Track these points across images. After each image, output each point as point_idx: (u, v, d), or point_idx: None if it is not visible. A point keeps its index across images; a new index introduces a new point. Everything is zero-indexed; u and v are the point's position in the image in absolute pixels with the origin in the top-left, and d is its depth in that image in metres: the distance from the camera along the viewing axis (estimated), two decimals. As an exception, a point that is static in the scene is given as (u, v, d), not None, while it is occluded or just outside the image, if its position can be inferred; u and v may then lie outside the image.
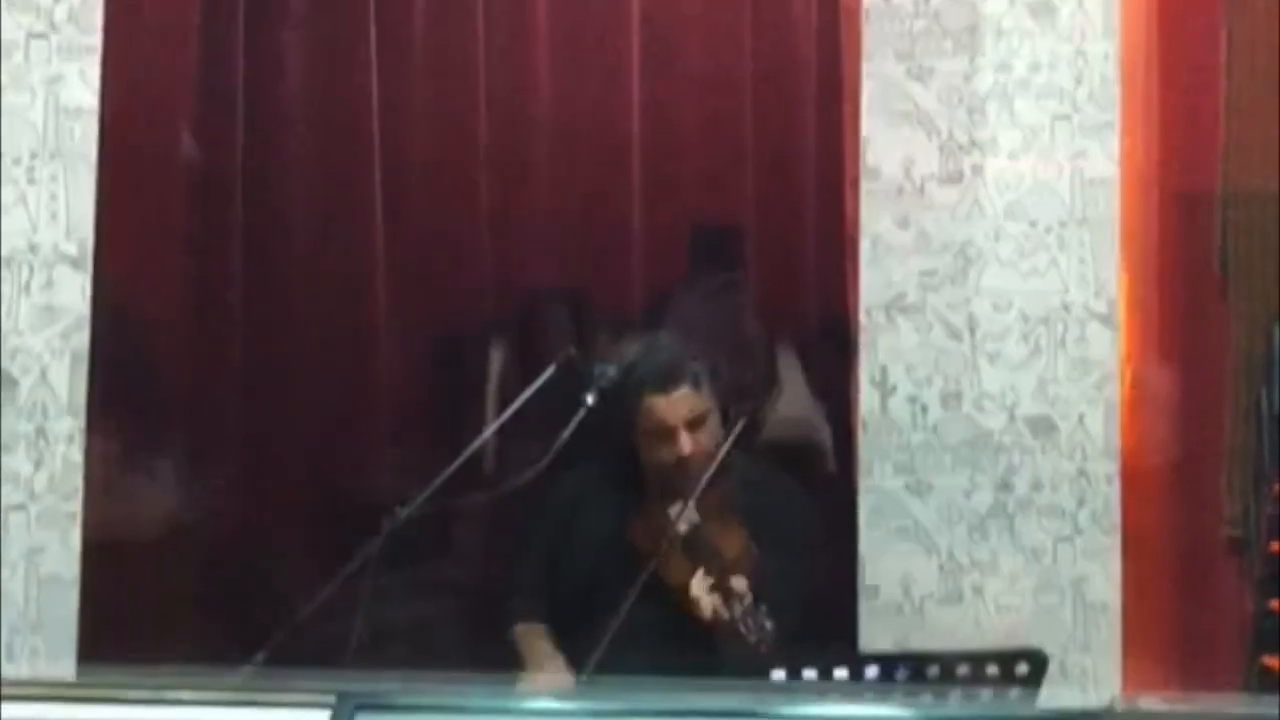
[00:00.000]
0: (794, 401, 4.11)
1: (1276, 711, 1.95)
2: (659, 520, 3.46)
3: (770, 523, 3.49)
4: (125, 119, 3.83)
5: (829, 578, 3.79)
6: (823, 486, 4.02)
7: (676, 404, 3.48)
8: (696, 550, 3.40)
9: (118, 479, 3.83)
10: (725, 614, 3.27)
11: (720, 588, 3.31)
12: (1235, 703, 2.40)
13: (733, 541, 3.43)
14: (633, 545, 3.46)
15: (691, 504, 3.44)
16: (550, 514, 3.65)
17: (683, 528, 3.43)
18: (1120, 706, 2.20)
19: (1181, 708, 2.58)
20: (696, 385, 3.51)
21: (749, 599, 3.25)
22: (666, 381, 3.49)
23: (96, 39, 3.67)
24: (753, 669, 3.02)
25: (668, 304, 4.13)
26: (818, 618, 3.59)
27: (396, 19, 4.12)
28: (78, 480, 3.61)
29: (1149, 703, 2.98)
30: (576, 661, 3.33)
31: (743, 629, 3.21)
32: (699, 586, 3.33)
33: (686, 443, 3.47)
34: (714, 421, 3.53)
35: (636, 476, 3.58)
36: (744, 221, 4.19)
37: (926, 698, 2.66)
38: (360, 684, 2.01)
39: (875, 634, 3.83)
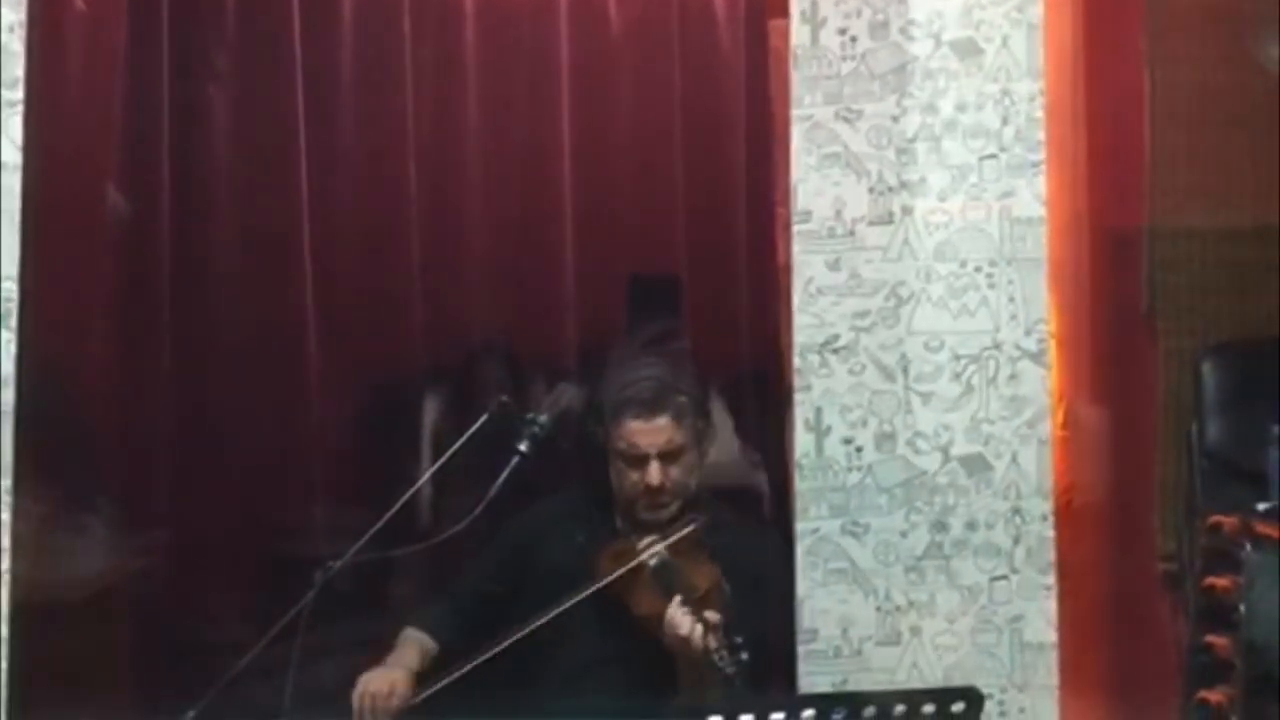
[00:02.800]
0: (728, 445, 4.10)
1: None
2: (624, 554, 3.44)
3: (741, 565, 3.47)
4: (50, 174, 3.80)
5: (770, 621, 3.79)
6: (760, 530, 4.01)
7: (654, 432, 3.49)
8: (668, 582, 3.38)
9: (47, 537, 3.78)
10: (700, 644, 3.23)
11: (696, 616, 3.28)
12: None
13: (704, 576, 3.42)
14: (596, 576, 3.44)
15: (658, 539, 3.43)
16: (510, 541, 3.62)
17: (652, 561, 3.41)
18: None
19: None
20: (679, 418, 3.51)
21: (722, 631, 3.23)
22: (649, 408, 3.48)
23: (19, 94, 3.64)
24: (689, 712, 3.01)
25: (608, 353, 4.12)
26: (756, 661, 3.58)
27: (324, 71, 4.11)
28: (5, 539, 3.55)
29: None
30: (543, 693, 3.29)
31: (718, 659, 3.19)
32: (675, 613, 3.29)
33: (656, 473, 3.48)
34: (689, 458, 3.53)
35: (606, 509, 3.57)
36: (677, 267, 4.19)
37: (864, 737, 2.66)
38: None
39: (814, 677, 3.82)
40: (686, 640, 3.25)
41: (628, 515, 3.53)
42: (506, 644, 3.25)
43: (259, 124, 4.07)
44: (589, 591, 3.33)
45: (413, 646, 3.56)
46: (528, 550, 3.59)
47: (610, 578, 3.37)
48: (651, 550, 3.41)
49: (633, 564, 3.39)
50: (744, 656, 3.16)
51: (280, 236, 4.06)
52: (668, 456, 3.49)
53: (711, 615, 3.26)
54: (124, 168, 4.01)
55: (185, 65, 4.05)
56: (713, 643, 3.20)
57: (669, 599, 3.32)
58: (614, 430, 3.50)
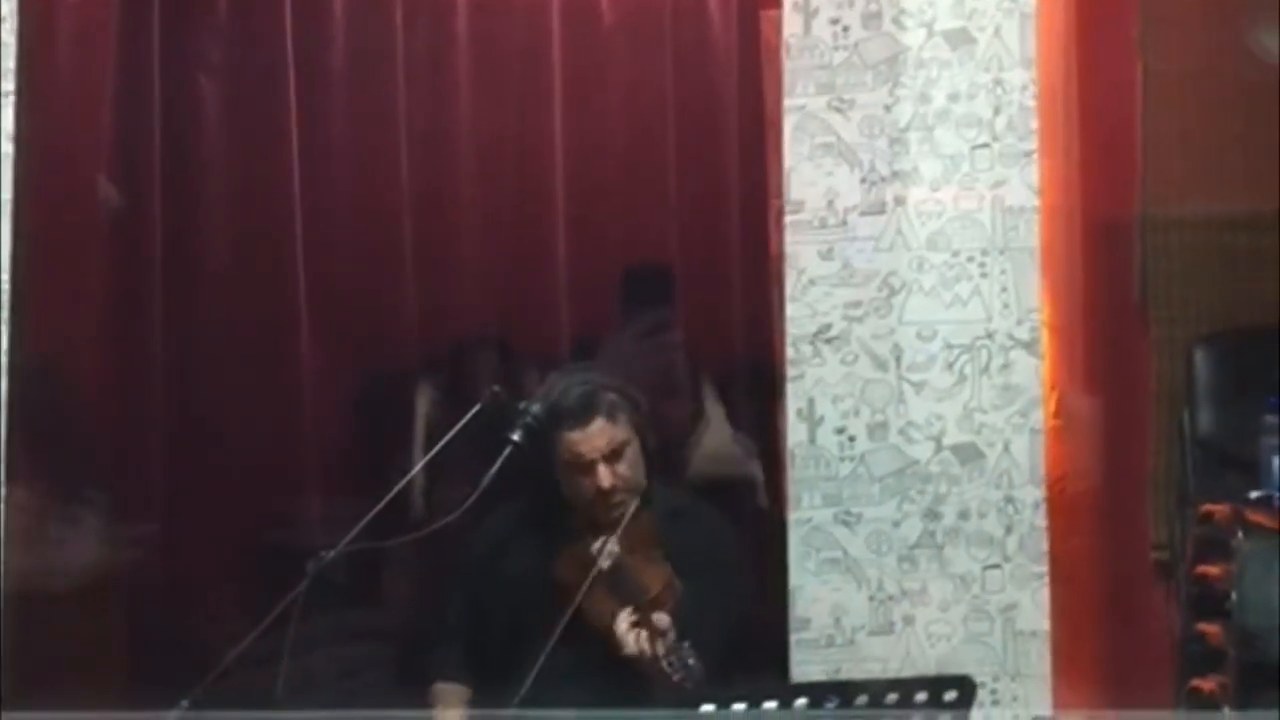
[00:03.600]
0: (721, 435, 4.10)
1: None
2: (582, 556, 3.43)
3: (694, 553, 3.47)
4: (41, 165, 3.80)
5: (760, 611, 3.79)
6: (752, 519, 4.01)
7: (593, 437, 3.47)
8: (619, 586, 3.37)
9: (39, 529, 3.78)
10: (649, 651, 3.23)
11: (643, 624, 3.28)
12: (1150, 718, 2.41)
13: (655, 576, 3.41)
14: (557, 583, 3.44)
15: (614, 538, 3.42)
16: (474, 558, 3.63)
17: (605, 563, 3.40)
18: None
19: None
20: (612, 417, 3.50)
21: (671, 635, 3.23)
22: (581, 415, 3.48)
23: (9, 85, 3.64)
24: (682, 703, 3.00)
25: (602, 345, 4.12)
26: (749, 651, 3.58)
27: (315, 62, 4.10)
28: (-2, 531, 3.57)
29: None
30: (502, 703, 3.29)
31: (666, 666, 3.18)
32: (623, 624, 3.30)
33: (605, 475, 3.46)
34: (634, 452, 3.51)
35: (562, 512, 3.57)
36: (669, 258, 4.18)
37: (856, 724, 2.66)
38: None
39: (807, 666, 3.83)
40: (635, 651, 3.25)
41: (584, 518, 3.52)
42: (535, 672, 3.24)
43: (251, 115, 4.06)
44: (570, 612, 3.32)
45: (452, 698, 3.57)
46: (493, 561, 3.59)
47: (580, 592, 3.36)
48: (605, 552, 3.40)
49: (591, 572, 3.38)
50: (691, 661, 3.15)
51: (272, 228, 4.04)
52: (612, 457, 3.48)
53: (660, 620, 3.26)
54: (115, 159, 4.00)
55: (176, 56, 4.04)
56: (660, 650, 3.20)
57: (620, 606, 3.32)
58: (554, 444, 3.50)
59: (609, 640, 3.30)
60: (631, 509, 3.45)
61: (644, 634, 3.23)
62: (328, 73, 4.11)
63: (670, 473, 3.73)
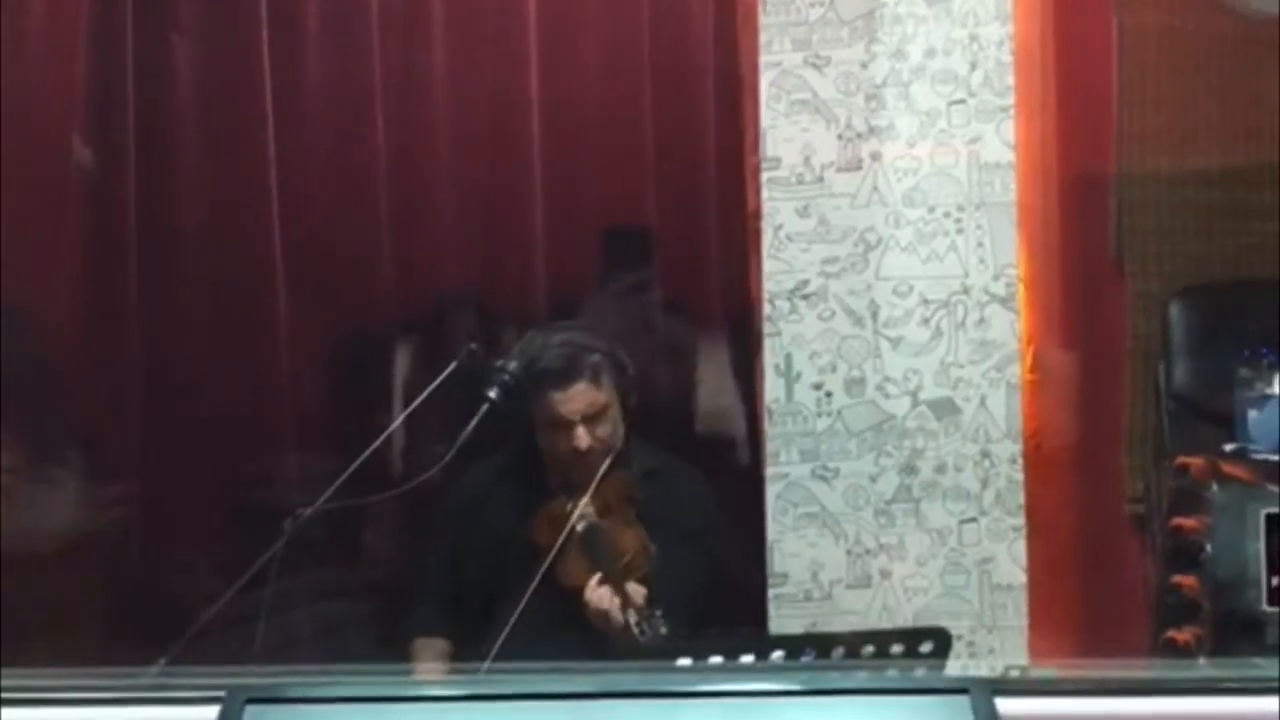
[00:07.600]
0: (698, 392, 4.11)
1: (1154, 673, 1.96)
2: (557, 516, 3.44)
3: (669, 514, 3.48)
4: (14, 125, 3.77)
5: (737, 566, 3.80)
6: (730, 475, 4.02)
7: (574, 398, 3.47)
8: (593, 550, 3.38)
9: (16, 487, 3.77)
10: (620, 619, 3.24)
11: (616, 590, 3.29)
12: (1124, 668, 2.43)
13: (628, 541, 3.41)
14: (533, 543, 3.44)
15: (588, 501, 3.43)
16: (453, 513, 3.63)
17: (580, 525, 3.41)
18: (1013, 674, 2.22)
19: (1070, 674, 2.60)
20: (595, 380, 3.50)
21: (644, 604, 3.24)
22: (564, 376, 3.48)
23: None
24: (658, 656, 3.02)
25: (579, 304, 4.12)
26: (726, 606, 3.59)
27: (289, 20, 4.07)
28: (-26, 491, 3.55)
29: (1042, 670, 3.01)
30: (479, 658, 3.30)
31: (638, 633, 3.19)
32: (594, 590, 3.31)
33: (583, 437, 3.46)
34: (613, 414, 3.52)
35: (539, 471, 3.57)
36: (646, 215, 4.18)
37: (832, 675, 2.66)
38: (252, 679, 1.98)
39: (785, 620, 3.85)
40: (606, 616, 3.25)
41: (559, 477, 3.53)
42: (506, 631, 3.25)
43: (224, 73, 4.04)
44: (540, 572, 3.33)
45: (429, 653, 3.58)
46: (469, 515, 3.59)
47: (552, 554, 3.36)
48: (578, 513, 3.40)
49: (564, 533, 3.38)
50: (663, 630, 3.16)
51: (247, 186, 4.02)
52: (591, 419, 3.48)
53: (633, 590, 3.27)
54: (89, 118, 3.97)
55: (149, 14, 4.01)
56: (632, 618, 3.20)
57: (593, 569, 3.33)
58: (535, 401, 3.50)
59: (580, 605, 3.30)
60: (603, 470, 3.45)
61: (616, 600, 3.24)
62: (302, 30, 4.08)
63: (647, 431, 3.73)
